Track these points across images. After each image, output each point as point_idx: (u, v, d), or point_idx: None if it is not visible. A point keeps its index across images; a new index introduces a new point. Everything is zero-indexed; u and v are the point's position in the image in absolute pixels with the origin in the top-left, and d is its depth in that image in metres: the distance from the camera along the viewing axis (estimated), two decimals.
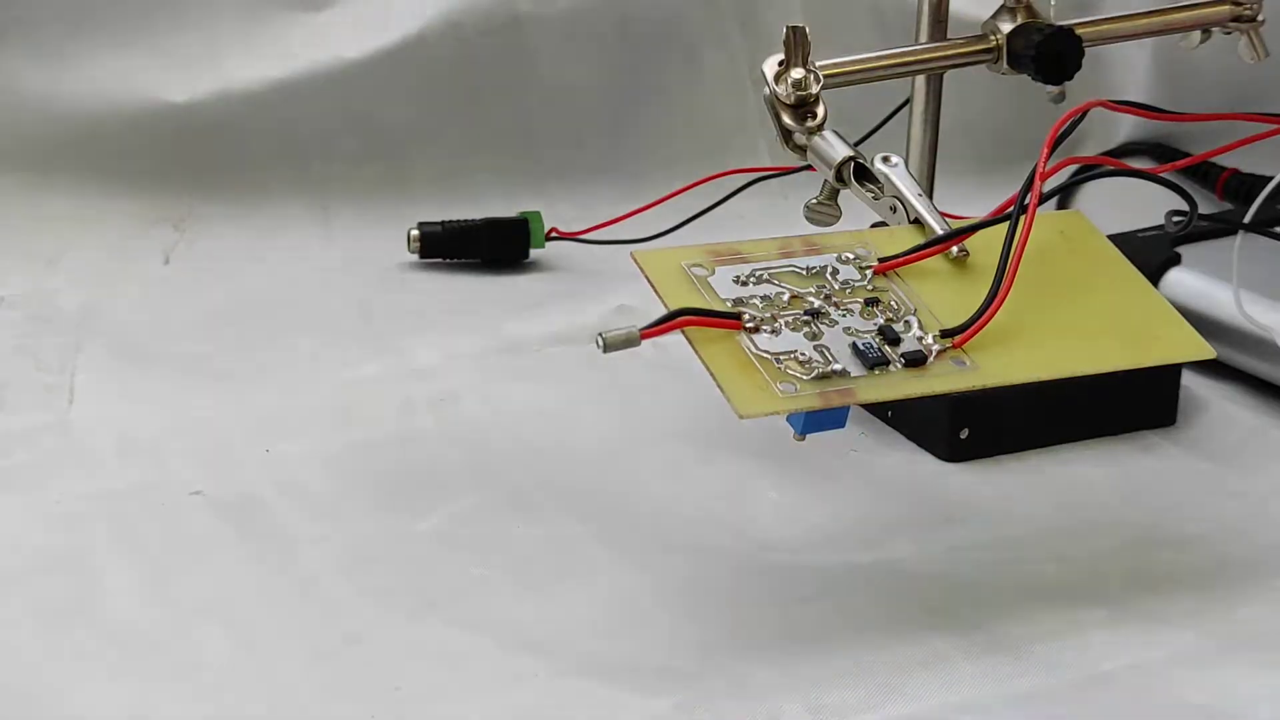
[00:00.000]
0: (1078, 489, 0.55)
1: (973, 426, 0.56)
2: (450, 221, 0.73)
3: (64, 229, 0.75)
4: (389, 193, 0.79)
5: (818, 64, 0.52)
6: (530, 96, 0.81)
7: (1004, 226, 0.47)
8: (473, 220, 0.74)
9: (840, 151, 0.51)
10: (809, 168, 0.53)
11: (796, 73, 0.52)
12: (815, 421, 0.44)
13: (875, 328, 0.45)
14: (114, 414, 0.58)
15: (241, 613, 0.47)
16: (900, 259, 0.47)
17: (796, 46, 0.52)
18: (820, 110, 0.52)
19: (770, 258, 0.47)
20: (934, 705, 0.43)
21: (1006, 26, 0.58)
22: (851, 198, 0.52)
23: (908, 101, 0.62)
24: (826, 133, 0.52)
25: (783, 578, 0.49)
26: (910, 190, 0.50)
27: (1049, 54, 0.56)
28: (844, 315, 0.46)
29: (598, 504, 0.53)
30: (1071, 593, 0.48)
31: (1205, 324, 0.54)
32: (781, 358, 0.44)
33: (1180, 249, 0.64)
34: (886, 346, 0.45)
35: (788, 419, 0.44)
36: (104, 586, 0.48)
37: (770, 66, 0.52)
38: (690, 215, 0.73)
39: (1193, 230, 0.52)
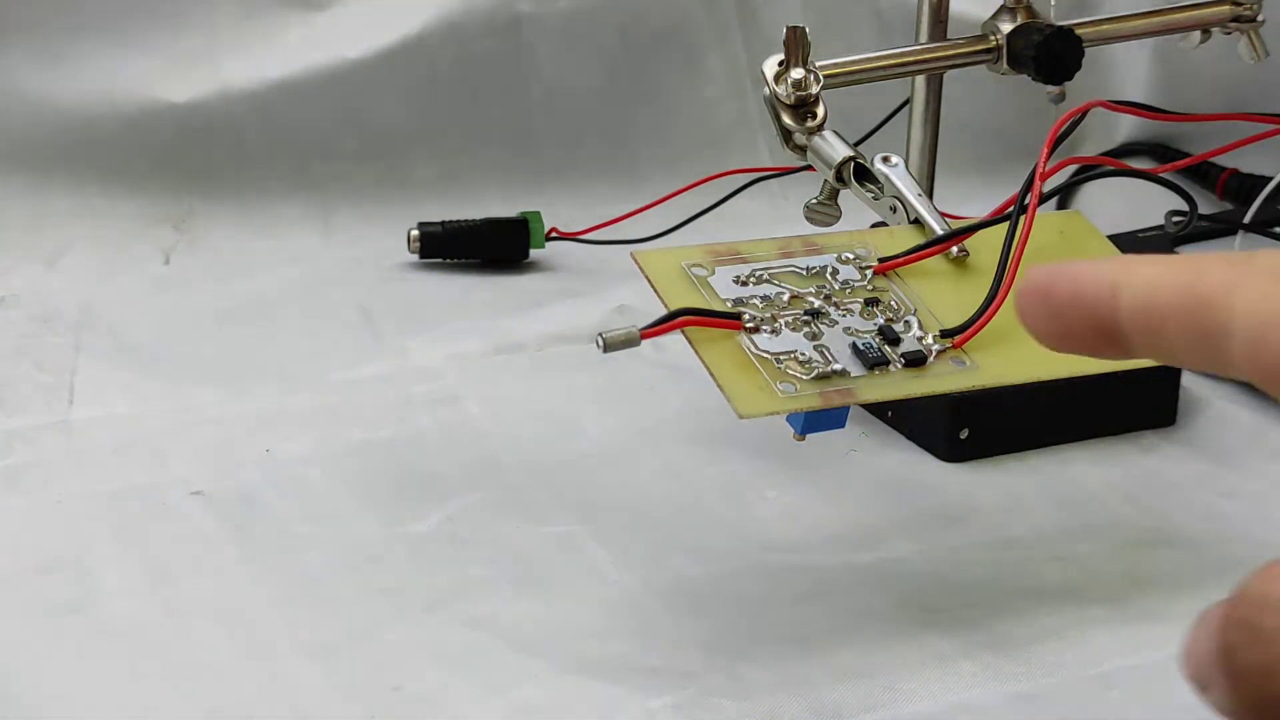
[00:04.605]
0: (1078, 489, 0.55)
1: (973, 426, 0.56)
2: (450, 221, 0.73)
3: (64, 229, 0.75)
4: (389, 193, 0.79)
5: (818, 64, 0.52)
6: (530, 96, 0.81)
7: (1004, 226, 0.48)
8: (473, 220, 0.74)
9: (840, 151, 0.51)
10: (809, 168, 0.53)
11: (796, 73, 0.52)
12: (815, 421, 0.44)
13: (875, 328, 0.45)
14: (114, 414, 0.58)
15: (241, 613, 0.47)
16: (900, 259, 0.47)
17: (796, 46, 0.52)
18: (820, 110, 0.52)
19: (770, 258, 0.47)
20: (934, 705, 0.43)
21: (1006, 26, 0.58)
22: (851, 198, 0.52)
23: (908, 101, 0.62)
24: (826, 133, 0.52)
25: (783, 578, 0.49)
26: (910, 190, 0.50)
27: (1049, 54, 0.56)
28: (844, 315, 0.46)
29: (598, 504, 0.53)
30: (1071, 593, 0.48)
31: None
32: (781, 358, 0.44)
33: (1180, 249, 0.64)
34: (886, 346, 0.45)
35: (788, 419, 0.44)
36: (104, 586, 0.48)
37: (770, 66, 0.52)
38: (690, 215, 0.73)
39: (1193, 230, 0.52)
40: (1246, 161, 0.76)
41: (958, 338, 0.46)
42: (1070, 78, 0.57)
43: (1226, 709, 0.25)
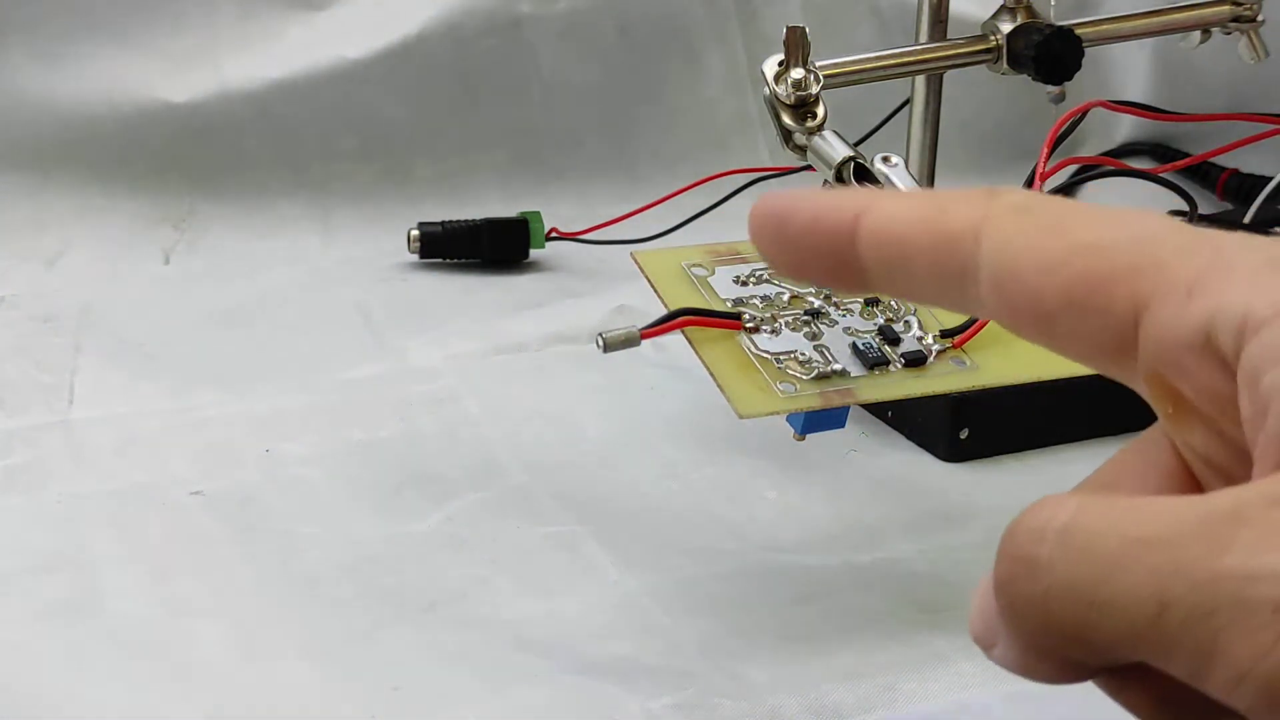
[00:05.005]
0: None
1: (973, 426, 0.56)
2: (450, 221, 0.73)
3: (64, 229, 0.75)
4: (389, 193, 0.79)
5: (818, 64, 0.52)
6: (530, 96, 0.81)
7: None
8: (473, 220, 0.74)
9: (840, 151, 0.51)
10: (809, 168, 0.53)
11: (796, 73, 0.52)
12: (815, 421, 0.44)
13: (875, 328, 0.45)
14: (114, 414, 0.58)
15: (241, 613, 0.46)
16: None
17: (796, 46, 0.52)
18: (820, 110, 0.52)
19: None
20: (934, 705, 0.43)
21: (1006, 26, 0.58)
22: None
23: (908, 101, 0.62)
24: (826, 133, 0.52)
25: (783, 578, 0.49)
26: (910, 190, 0.50)
27: (1049, 54, 0.56)
28: (844, 315, 0.46)
29: (598, 504, 0.53)
30: None
31: None
32: (781, 358, 0.44)
33: None
34: (886, 346, 0.45)
35: (788, 419, 0.44)
36: (104, 586, 0.48)
37: (770, 66, 0.52)
38: (690, 215, 0.73)
39: None
40: (1246, 161, 0.76)
41: (958, 338, 0.46)
42: (1070, 78, 0.57)
43: (1011, 658, 0.25)
